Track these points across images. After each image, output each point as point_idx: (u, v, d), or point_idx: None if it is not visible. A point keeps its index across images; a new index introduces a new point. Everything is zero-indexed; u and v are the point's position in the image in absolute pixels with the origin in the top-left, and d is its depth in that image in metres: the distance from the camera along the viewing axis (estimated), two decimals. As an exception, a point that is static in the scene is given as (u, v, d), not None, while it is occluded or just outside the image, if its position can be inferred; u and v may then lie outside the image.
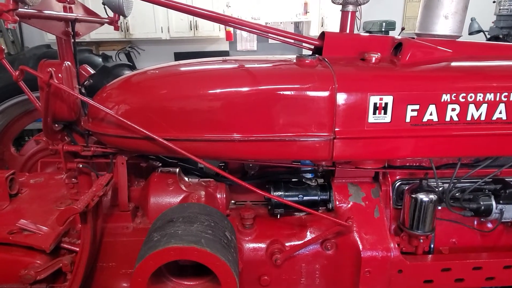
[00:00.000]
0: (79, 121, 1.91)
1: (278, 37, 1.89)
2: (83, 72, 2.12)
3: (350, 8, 1.80)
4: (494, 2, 5.02)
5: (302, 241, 1.82)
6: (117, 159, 1.85)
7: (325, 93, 1.58)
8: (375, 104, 1.59)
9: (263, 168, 2.06)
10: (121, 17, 2.07)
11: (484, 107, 1.62)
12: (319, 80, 1.60)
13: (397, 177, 1.93)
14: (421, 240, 1.83)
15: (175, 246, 1.38)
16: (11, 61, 1.66)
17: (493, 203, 1.85)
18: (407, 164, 1.92)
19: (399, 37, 1.81)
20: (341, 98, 1.58)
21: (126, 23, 6.73)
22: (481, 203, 1.85)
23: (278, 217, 1.92)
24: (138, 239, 1.66)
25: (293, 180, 1.98)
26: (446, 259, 1.85)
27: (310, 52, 1.96)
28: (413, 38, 1.80)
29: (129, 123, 1.59)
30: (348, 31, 1.84)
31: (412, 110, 1.60)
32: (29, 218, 1.74)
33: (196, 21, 6.82)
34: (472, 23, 5.05)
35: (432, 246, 1.91)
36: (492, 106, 1.62)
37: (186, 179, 2.04)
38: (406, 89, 1.60)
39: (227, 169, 2.10)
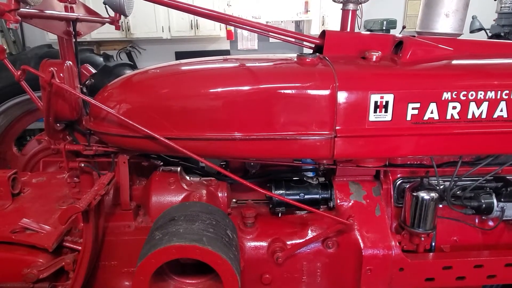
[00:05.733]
0: (80, 121, 1.91)
1: (279, 36, 1.89)
2: (85, 72, 2.13)
3: (351, 6, 1.80)
4: (495, 0, 5.01)
5: (304, 240, 1.83)
6: (118, 158, 1.85)
7: (326, 92, 1.59)
8: (376, 102, 1.59)
9: (264, 167, 2.06)
10: (122, 16, 2.08)
11: (485, 105, 1.62)
12: (320, 79, 1.61)
13: (398, 175, 1.93)
14: (422, 238, 1.83)
15: (177, 245, 1.39)
16: (12, 61, 1.67)
17: (494, 201, 1.85)
18: (408, 162, 1.92)
19: (400, 36, 1.81)
20: (342, 96, 1.58)
21: (127, 22, 6.74)
22: (482, 201, 1.85)
23: (280, 215, 1.92)
24: (140, 237, 1.67)
25: (294, 178, 1.98)
26: (447, 257, 1.85)
27: (311, 51, 1.96)
28: (414, 36, 1.80)
29: (130, 122, 1.59)
30: (349, 30, 1.84)
31: (413, 108, 1.60)
32: (32, 217, 1.75)
33: (197, 20, 6.83)
34: (474, 21, 5.04)
35: (433, 244, 1.91)
36: (493, 104, 1.62)
37: (188, 178, 2.04)
38: (407, 88, 1.60)
39: (229, 167, 2.10)
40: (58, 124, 1.85)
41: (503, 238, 1.99)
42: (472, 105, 1.62)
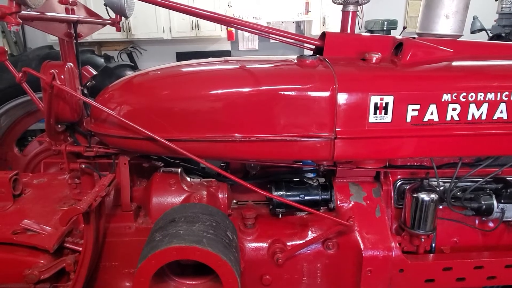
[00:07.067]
0: (81, 122, 1.92)
1: (279, 37, 1.89)
2: (85, 73, 2.14)
3: (351, 8, 1.80)
4: (496, 0, 5.01)
5: (304, 241, 1.83)
6: (119, 159, 1.86)
7: (326, 93, 1.59)
8: (375, 104, 1.59)
9: (264, 168, 2.07)
10: (122, 17, 2.08)
11: (485, 107, 1.62)
12: (320, 81, 1.61)
13: (398, 177, 1.94)
14: (423, 240, 1.84)
15: (177, 246, 1.39)
16: (14, 62, 1.68)
17: (494, 202, 1.85)
18: (408, 163, 1.92)
19: (400, 37, 1.81)
20: (342, 98, 1.59)
21: (128, 23, 6.75)
22: (482, 202, 1.85)
23: (280, 216, 1.92)
24: (141, 239, 1.67)
25: (294, 179, 1.98)
26: (447, 259, 1.85)
27: (311, 52, 1.96)
28: (414, 37, 1.80)
29: (131, 124, 1.60)
30: (349, 31, 1.84)
31: (413, 110, 1.61)
32: (33, 218, 1.76)
33: (197, 21, 6.83)
34: (474, 22, 5.04)
35: (433, 245, 1.91)
36: (493, 106, 1.62)
37: (188, 179, 2.05)
38: (406, 89, 1.61)
39: (229, 169, 2.10)
40: (59, 126, 1.86)
41: (503, 239, 1.99)
42: (472, 107, 1.62)
